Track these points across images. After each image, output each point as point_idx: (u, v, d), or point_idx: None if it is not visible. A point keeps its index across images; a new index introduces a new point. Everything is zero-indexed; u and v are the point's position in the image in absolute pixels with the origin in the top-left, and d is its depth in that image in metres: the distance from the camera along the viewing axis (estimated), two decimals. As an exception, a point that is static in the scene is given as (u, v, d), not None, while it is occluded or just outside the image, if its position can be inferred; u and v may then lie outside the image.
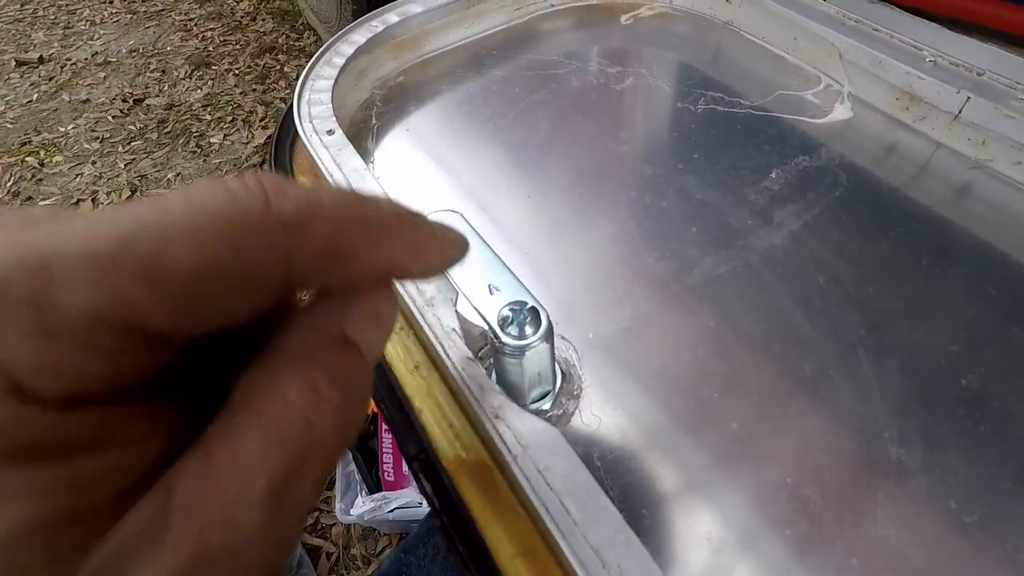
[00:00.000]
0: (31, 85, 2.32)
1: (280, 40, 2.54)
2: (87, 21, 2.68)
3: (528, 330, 0.33)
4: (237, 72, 2.38)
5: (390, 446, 1.17)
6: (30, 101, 2.24)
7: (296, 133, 0.57)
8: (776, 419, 0.37)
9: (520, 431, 0.32)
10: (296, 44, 2.52)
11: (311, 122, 0.50)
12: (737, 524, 0.33)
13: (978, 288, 0.43)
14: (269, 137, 2.07)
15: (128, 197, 1.87)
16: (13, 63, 2.42)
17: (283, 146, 0.56)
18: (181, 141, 2.08)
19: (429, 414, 0.38)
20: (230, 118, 2.16)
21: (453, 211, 0.38)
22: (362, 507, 1.10)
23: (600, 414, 0.39)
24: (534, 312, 0.34)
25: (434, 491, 0.34)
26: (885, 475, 0.35)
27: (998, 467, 0.35)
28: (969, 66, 0.53)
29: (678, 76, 0.60)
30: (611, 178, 0.52)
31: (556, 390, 0.39)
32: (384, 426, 1.18)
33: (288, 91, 2.27)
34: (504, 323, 0.33)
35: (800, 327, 0.41)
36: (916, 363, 0.39)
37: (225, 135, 2.10)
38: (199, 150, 2.05)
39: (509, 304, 0.34)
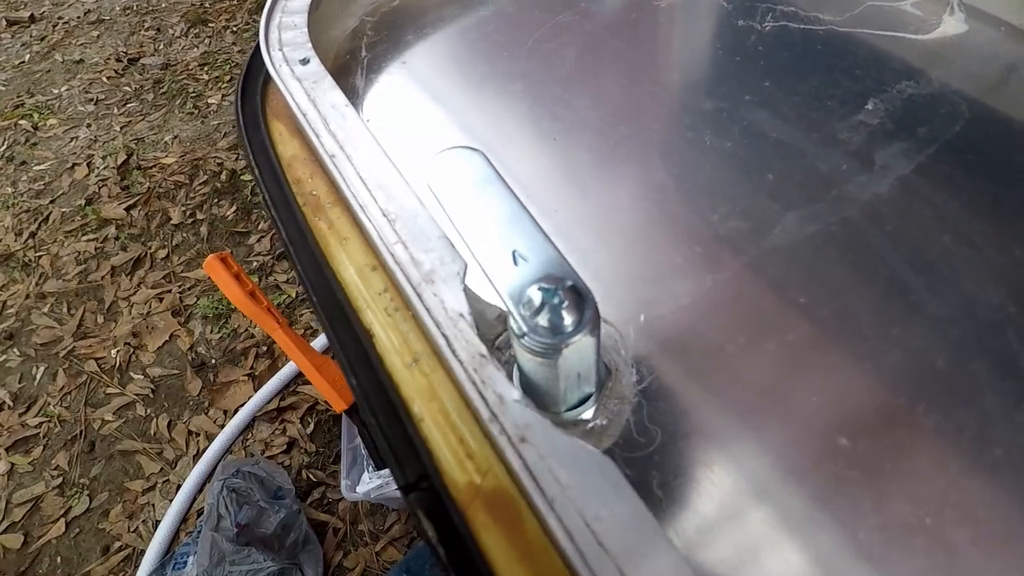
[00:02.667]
0: (23, 45, 2.22)
1: (279, -8, 2.40)
2: (78, -23, 2.55)
3: (567, 318, 0.24)
4: (235, 29, 2.24)
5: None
6: (22, 62, 2.15)
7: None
8: (899, 432, 0.27)
9: (557, 460, 0.23)
10: (296, -4, 2.37)
11: (281, 50, 0.40)
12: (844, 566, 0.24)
13: None
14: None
15: (124, 161, 1.78)
16: (4, 23, 2.31)
17: (252, 88, 0.46)
18: (178, 102, 1.98)
19: (432, 424, 0.29)
20: (228, 77, 2.05)
21: (473, 148, 0.27)
22: (368, 484, 1.04)
23: (659, 424, 0.29)
24: (575, 293, 0.24)
25: (440, 536, 0.25)
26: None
27: None
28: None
29: (739, -13, 0.48)
30: (658, 115, 0.41)
31: (600, 392, 0.29)
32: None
33: (288, 47, 2.14)
34: (532, 308, 0.24)
35: (925, 304, 0.30)
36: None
37: (223, 95, 1.99)
38: (196, 111, 1.94)
39: (540, 281, 0.24)
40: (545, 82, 0.44)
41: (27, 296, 1.52)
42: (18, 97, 2.02)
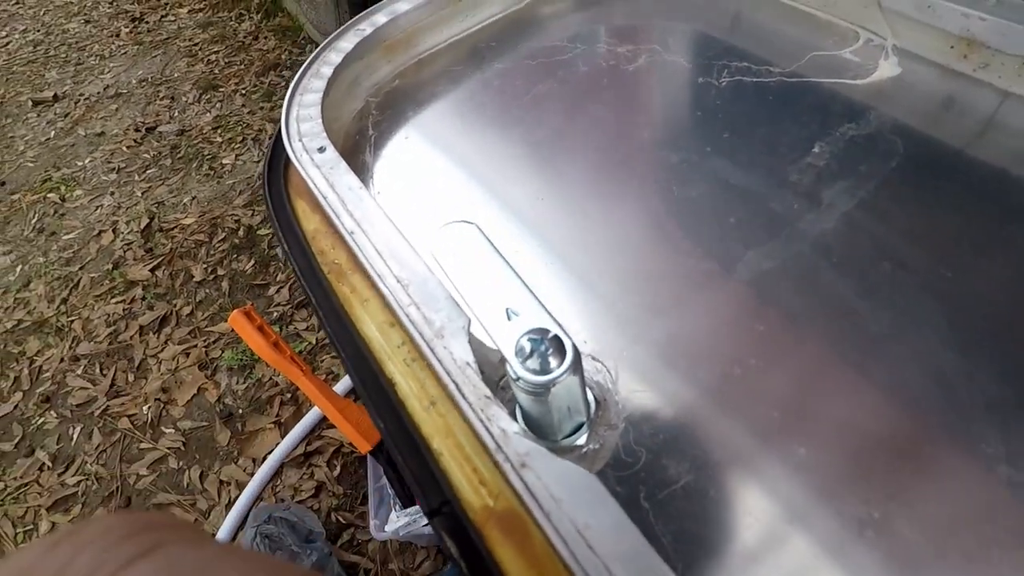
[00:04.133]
0: (48, 123, 2.36)
1: (283, 56, 2.53)
2: (96, 56, 2.71)
3: (552, 362, 0.29)
4: (243, 92, 2.37)
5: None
6: (48, 139, 2.28)
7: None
8: (853, 440, 0.32)
9: (552, 480, 0.28)
10: (299, 59, 2.50)
11: (300, 140, 0.47)
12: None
13: (1076, 261, 0.37)
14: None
15: (146, 225, 1.88)
16: (30, 103, 2.46)
17: (276, 170, 0.53)
18: (194, 165, 2.09)
19: (450, 458, 0.34)
20: (240, 138, 2.16)
21: (468, 222, 0.33)
22: (396, 523, 1.07)
23: (644, 445, 0.34)
24: (557, 341, 0.29)
25: (461, 551, 0.30)
26: (996, 499, 0.29)
27: None
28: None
29: (696, 48, 0.54)
30: (633, 170, 0.47)
31: (591, 420, 0.34)
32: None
33: (295, 105, 2.25)
34: (523, 355, 0.29)
35: (870, 324, 0.35)
36: (1019, 359, 0.33)
37: (236, 155, 2.10)
38: (212, 172, 2.05)
39: (528, 333, 0.29)
40: (533, 144, 0.50)
41: (61, 360, 1.59)
42: (46, 172, 2.14)
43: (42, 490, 1.37)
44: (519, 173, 0.48)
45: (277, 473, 1.35)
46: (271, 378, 1.50)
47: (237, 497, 1.31)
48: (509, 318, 0.30)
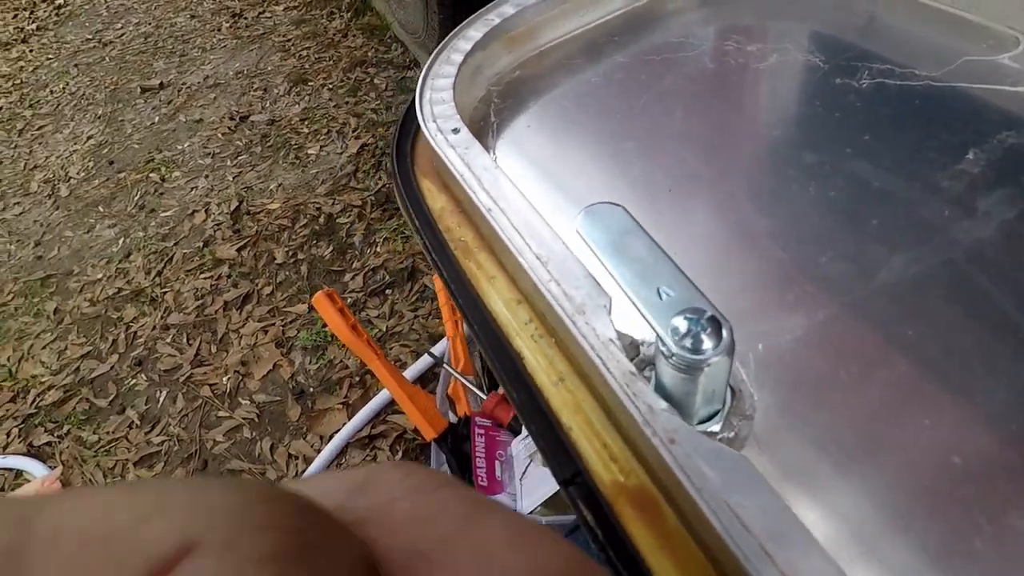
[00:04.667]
0: (153, 109, 2.54)
1: (369, 54, 2.63)
2: (199, 48, 2.90)
3: (706, 342, 0.29)
4: (331, 87, 2.48)
5: (483, 451, 1.15)
6: (152, 123, 2.45)
7: (416, 134, 0.55)
8: (1010, 453, 0.30)
9: (701, 459, 0.28)
10: (384, 57, 2.60)
11: (435, 121, 0.48)
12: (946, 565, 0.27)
13: None
14: (363, 146, 2.14)
15: (235, 207, 1.99)
16: (139, 90, 2.65)
17: (403, 148, 0.55)
18: (282, 153, 2.19)
19: (580, 432, 0.35)
20: (325, 130, 2.26)
21: (614, 204, 0.34)
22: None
23: (775, 440, 0.33)
24: (714, 322, 0.29)
25: (596, 520, 0.30)
26: None
27: None
28: None
29: (831, 49, 0.53)
30: (764, 168, 0.46)
31: (727, 410, 0.34)
32: (478, 430, 1.16)
33: (378, 102, 2.34)
34: (678, 334, 0.29)
35: (1032, 338, 0.33)
36: None
37: (321, 146, 2.19)
38: (298, 161, 2.15)
39: (684, 312, 0.29)
40: (656, 139, 0.50)
41: (154, 328, 1.71)
42: (149, 154, 2.30)
43: (130, 446, 1.47)
44: (645, 166, 0.48)
45: (342, 452, 1.40)
46: (342, 361, 1.56)
47: (304, 471, 1.37)
48: (661, 297, 0.31)
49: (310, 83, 2.53)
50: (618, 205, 0.34)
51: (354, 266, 1.77)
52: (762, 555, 0.25)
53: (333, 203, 1.96)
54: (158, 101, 2.58)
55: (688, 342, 0.29)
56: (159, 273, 1.86)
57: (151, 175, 2.20)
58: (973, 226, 0.38)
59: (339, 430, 1.42)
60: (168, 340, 1.67)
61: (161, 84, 2.66)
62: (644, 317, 0.30)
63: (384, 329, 1.60)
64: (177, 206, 2.07)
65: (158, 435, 1.49)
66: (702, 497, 0.26)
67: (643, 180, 0.47)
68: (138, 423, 1.51)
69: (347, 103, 2.37)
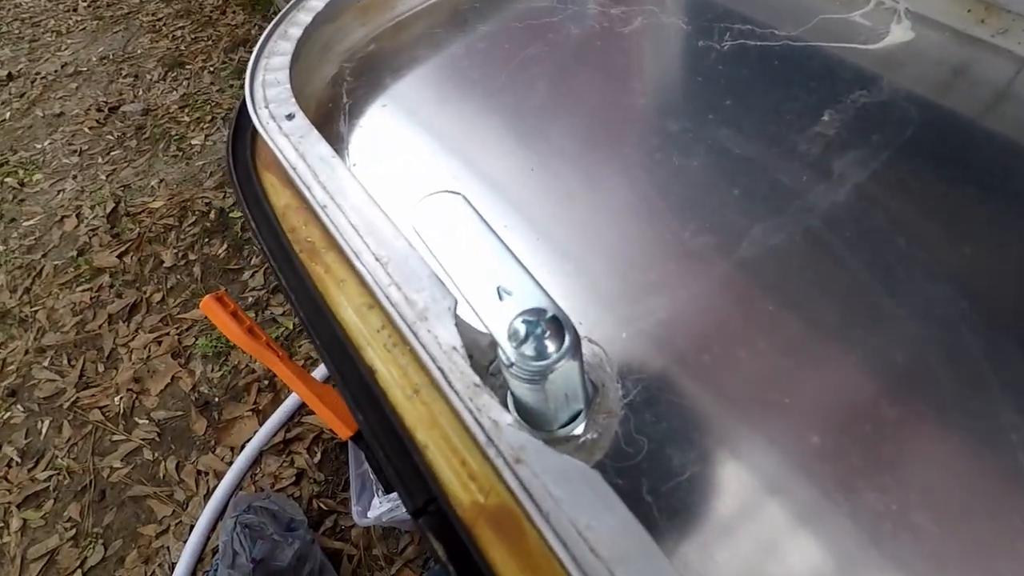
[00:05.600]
0: (2, 104, 2.24)
1: (253, 31, 2.43)
2: (52, 32, 2.58)
3: (550, 346, 0.26)
4: (211, 69, 2.28)
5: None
6: (3, 120, 2.17)
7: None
8: (866, 425, 0.30)
9: (549, 477, 0.25)
10: (271, 32, 2.41)
11: (267, 107, 0.42)
12: (831, 565, 0.26)
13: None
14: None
15: (112, 209, 1.80)
16: (-18, 82, 2.33)
17: (243, 141, 0.48)
18: (161, 146, 2.00)
19: (436, 450, 0.31)
20: (209, 117, 2.07)
21: (454, 192, 0.30)
22: (379, 508, 1.05)
23: (645, 434, 0.31)
24: (555, 323, 0.26)
25: (449, 555, 0.27)
26: (1018, 485, 0.27)
27: None
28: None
29: (695, 10, 0.51)
30: (628, 139, 0.43)
31: (589, 408, 0.31)
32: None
33: (267, 82, 2.17)
34: (518, 339, 0.26)
35: (883, 305, 0.33)
36: (1037, 335, 0.31)
37: (206, 135, 2.01)
38: (180, 153, 1.96)
39: (523, 315, 0.26)
40: (520, 113, 0.47)
41: (26, 352, 1.52)
42: (2, 156, 2.03)
43: (11, 486, 1.32)
44: (506, 143, 0.44)
45: (256, 461, 1.31)
46: (248, 365, 1.46)
47: (215, 487, 1.28)
48: (501, 298, 0.27)
49: (188, 66, 2.31)
50: (458, 194, 0.31)
51: (253, 263, 1.65)
52: (614, 577, 0.23)
53: (224, 196, 1.81)
54: (7, 95, 2.28)
55: (528, 349, 0.26)
56: (27, 290, 1.66)
57: (7, 180, 1.95)
58: (829, 190, 0.38)
59: (251, 439, 1.33)
60: (45, 364, 1.50)
61: (9, 75, 2.35)
62: (482, 322, 0.27)
63: (291, 327, 1.51)
64: (42, 213, 1.84)
65: (43, 470, 1.34)
66: (548, 522, 0.24)
67: (503, 160, 0.43)
68: (18, 460, 1.36)
69: (231, 87, 2.19)
